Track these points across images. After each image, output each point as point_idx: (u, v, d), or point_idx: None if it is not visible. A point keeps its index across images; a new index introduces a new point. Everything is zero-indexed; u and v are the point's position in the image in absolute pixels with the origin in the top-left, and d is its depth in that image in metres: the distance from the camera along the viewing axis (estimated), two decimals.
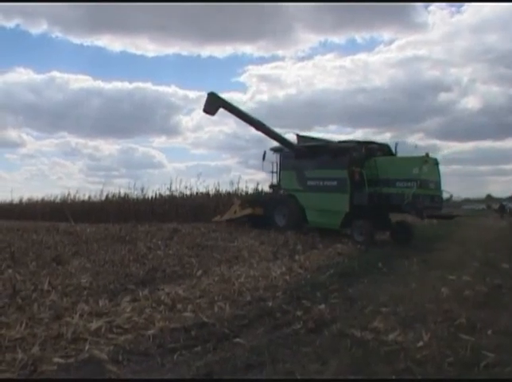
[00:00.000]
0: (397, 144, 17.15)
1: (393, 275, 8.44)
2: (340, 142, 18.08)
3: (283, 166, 18.52)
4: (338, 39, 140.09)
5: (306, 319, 5.45)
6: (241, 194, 25.61)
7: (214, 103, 17.62)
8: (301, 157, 17.71)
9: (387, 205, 15.53)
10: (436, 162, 16.21)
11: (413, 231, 16.82)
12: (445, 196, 16.59)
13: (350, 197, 15.84)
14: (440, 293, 6.75)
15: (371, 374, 3.81)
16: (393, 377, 3.75)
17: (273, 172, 18.90)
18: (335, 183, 16.36)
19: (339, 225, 16.36)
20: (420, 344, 4.48)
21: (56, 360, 4.12)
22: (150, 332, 4.96)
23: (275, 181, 19.00)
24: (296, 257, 10.70)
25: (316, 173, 17.10)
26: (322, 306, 6.03)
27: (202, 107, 17.89)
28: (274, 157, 18.82)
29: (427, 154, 15.60)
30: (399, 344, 4.51)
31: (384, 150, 17.15)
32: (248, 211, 19.02)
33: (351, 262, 9.82)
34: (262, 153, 18.57)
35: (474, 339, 4.60)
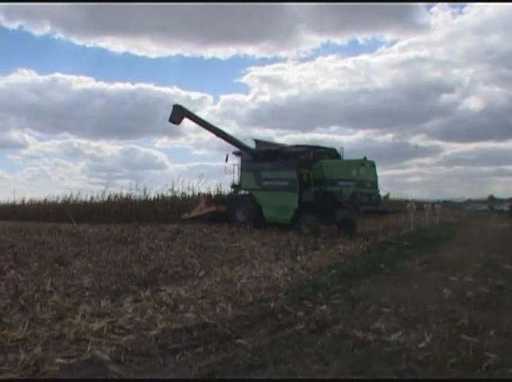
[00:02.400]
0: (342, 148, 20.01)
1: (395, 276, 8.43)
2: (292, 146, 20.76)
3: (243, 168, 20.84)
4: (340, 40, 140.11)
5: (308, 320, 5.46)
6: (205, 194, 27.57)
7: (179, 114, 19.99)
8: (258, 160, 20.14)
9: (331, 202, 17.61)
10: (373, 165, 18.34)
11: (356, 225, 19.36)
12: (383, 194, 19.70)
13: (298, 195, 18.13)
14: (442, 294, 6.75)
15: (373, 375, 3.80)
16: (395, 378, 3.75)
17: (234, 173, 21.34)
18: (286, 183, 18.70)
19: (289, 220, 18.41)
20: (422, 344, 4.48)
21: (59, 360, 4.12)
22: (152, 332, 4.96)
23: (236, 181, 21.40)
24: (298, 258, 10.69)
25: (270, 174, 19.41)
26: (324, 307, 6.03)
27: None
28: (236, 160, 21.29)
29: (364, 158, 17.85)
30: (401, 344, 4.51)
31: (331, 153, 19.81)
32: (212, 208, 21.40)
33: (352, 262, 9.80)
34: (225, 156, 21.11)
35: (476, 340, 4.60)
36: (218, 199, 23.36)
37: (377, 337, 4.73)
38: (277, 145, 21.35)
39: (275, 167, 19.35)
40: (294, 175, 18.35)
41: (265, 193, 19.52)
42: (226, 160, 21.14)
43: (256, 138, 21.59)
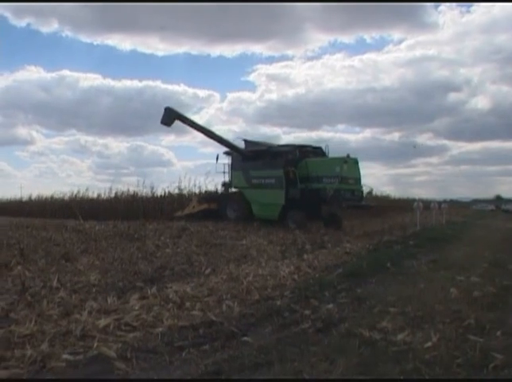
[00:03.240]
0: (327, 146, 20.87)
1: (401, 275, 8.40)
2: (279, 146, 21.90)
3: (233, 167, 21.76)
4: (347, 39, 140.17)
5: (314, 318, 5.45)
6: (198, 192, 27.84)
7: (170, 116, 20.73)
8: (247, 159, 21.05)
9: (316, 198, 18.65)
10: (355, 162, 19.34)
11: (341, 221, 20.51)
12: (366, 190, 20.52)
13: (285, 192, 19.06)
14: (449, 293, 6.72)
15: (379, 374, 3.79)
16: (402, 377, 3.73)
17: (224, 172, 22.28)
18: (273, 181, 19.64)
19: (277, 216, 19.44)
20: (429, 344, 4.45)
21: (65, 356, 4.13)
22: (158, 330, 4.96)
23: (227, 180, 22.33)
24: (305, 256, 10.70)
25: (258, 172, 20.30)
26: (330, 306, 6.03)
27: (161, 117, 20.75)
28: (226, 160, 22.20)
29: (348, 155, 18.99)
30: (407, 344, 4.49)
31: (317, 152, 20.76)
32: (204, 206, 22.27)
33: (359, 261, 9.78)
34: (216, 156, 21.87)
35: (483, 340, 4.58)
36: (209, 197, 23.89)
37: (383, 337, 4.72)
38: (264, 145, 22.13)
39: (263, 166, 20.23)
40: (281, 173, 19.25)
41: (253, 191, 20.46)
42: (217, 160, 21.94)
43: (245, 138, 22.56)
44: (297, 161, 19.75)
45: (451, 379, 3.77)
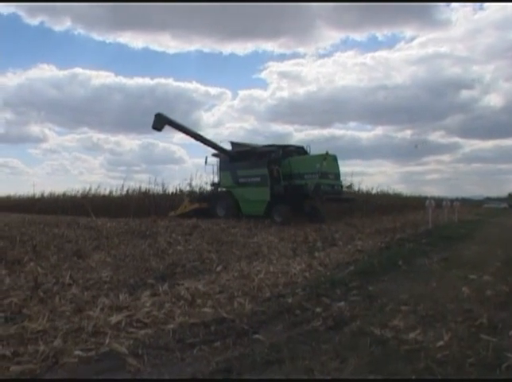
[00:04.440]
0: (309, 146, 22.23)
1: (413, 273, 8.37)
2: (263, 146, 22.84)
3: (221, 168, 23.13)
4: (359, 36, 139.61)
5: (325, 316, 5.44)
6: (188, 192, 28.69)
7: (161, 121, 22.12)
8: (234, 160, 22.41)
9: (298, 193, 20.08)
10: (334, 158, 21.01)
11: (324, 214, 22.15)
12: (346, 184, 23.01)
13: (270, 189, 20.41)
14: (461, 292, 6.67)
15: (391, 373, 3.78)
16: (413, 377, 3.72)
17: (213, 173, 23.67)
18: (258, 179, 21.01)
19: (263, 212, 20.71)
20: (441, 343, 4.43)
21: (77, 352, 4.15)
22: (170, 326, 4.98)
23: (216, 180, 23.70)
24: (316, 254, 10.68)
25: (245, 172, 21.70)
26: (341, 304, 6.01)
27: (152, 124, 22.15)
28: (215, 161, 23.50)
29: (327, 152, 20.48)
30: (419, 343, 4.47)
31: (300, 151, 22.19)
32: (196, 205, 23.46)
33: (370, 259, 9.74)
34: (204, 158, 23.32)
35: (495, 340, 4.55)
36: (200, 197, 25.16)
37: (395, 335, 4.70)
38: (250, 146, 23.54)
39: (249, 165, 21.62)
40: (265, 171, 20.67)
41: (241, 189, 21.90)
42: (206, 162, 23.40)
43: (232, 140, 24.04)
44: (281, 160, 21.13)
45: (463, 379, 3.74)
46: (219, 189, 23.80)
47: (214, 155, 23.44)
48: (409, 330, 4.85)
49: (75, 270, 8.05)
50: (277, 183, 20.41)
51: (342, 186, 22.10)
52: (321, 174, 19.71)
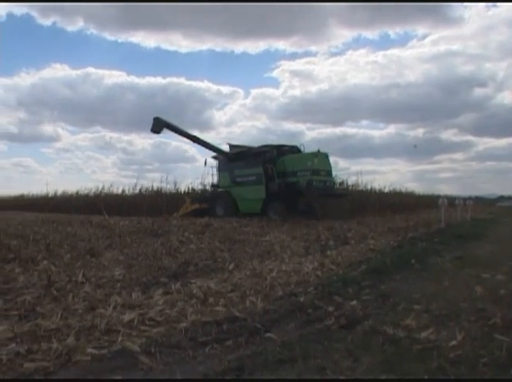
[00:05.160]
0: (302, 145, 23.57)
1: (425, 272, 8.32)
2: (259, 147, 23.81)
3: (220, 169, 24.41)
4: (371, 34, 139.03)
5: (338, 315, 5.42)
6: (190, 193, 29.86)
7: (159, 125, 23.61)
8: (232, 161, 23.60)
9: (292, 190, 20.91)
10: (326, 156, 22.18)
11: (317, 211, 22.96)
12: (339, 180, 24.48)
13: (265, 187, 21.52)
14: (474, 291, 6.62)
15: (403, 372, 3.76)
16: (426, 376, 3.69)
17: (213, 174, 24.98)
18: (254, 178, 22.12)
19: (259, 209, 21.72)
20: (454, 343, 4.39)
21: (90, 350, 4.18)
22: (182, 325, 4.98)
23: (215, 181, 24.94)
24: (328, 252, 10.65)
25: (241, 172, 22.83)
26: (354, 302, 5.98)
27: (151, 127, 23.69)
28: (214, 163, 24.85)
29: (318, 150, 21.64)
30: (432, 342, 4.43)
31: (293, 150, 23.31)
32: (196, 206, 24.55)
33: (383, 258, 9.69)
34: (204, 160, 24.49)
35: (509, 339, 4.50)
36: (200, 197, 26.38)
37: (407, 334, 4.67)
38: (246, 147, 24.74)
39: (245, 165, 22.78)
40: (260, 170, 21.82)
41: (238, 188, 22.98)
42: (205, 164, 24.60)
43: (230, 142, 25.43)
44: (275, 159, 22.25)
45: (476, 378, 3.71)
46: (219, 190, 24.79)
47: (213, 157, 24.67)
48: (422, 329, 4.82)
49: (88, 268, 8.09)
50: (271, 181, 21.49)
51: (334, 182, 23.54)
52: (313, 171, 20.84)
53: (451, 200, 28.88)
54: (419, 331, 4.77)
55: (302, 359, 4.02)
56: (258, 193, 21.81)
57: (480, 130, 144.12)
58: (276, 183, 21.29)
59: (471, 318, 5.27)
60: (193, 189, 29.60)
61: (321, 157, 21.66)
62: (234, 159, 23.61)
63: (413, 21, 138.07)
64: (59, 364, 3.92)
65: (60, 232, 13.06)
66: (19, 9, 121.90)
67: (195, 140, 24.41)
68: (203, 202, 24.78)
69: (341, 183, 25.80)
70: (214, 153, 24.76)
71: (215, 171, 24.83)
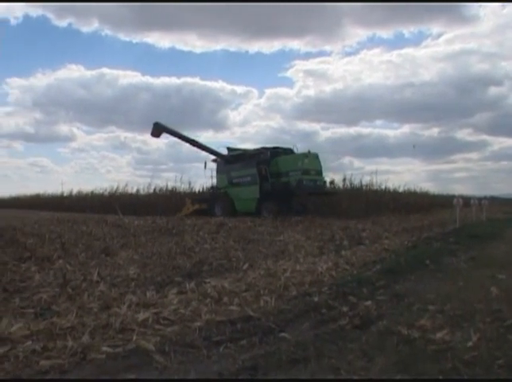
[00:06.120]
0: (295, 146, 24.77)
1: (440, 272, 8.27)
2: (254, 149, 25.57)
3: (218, 171, 25.62)
4: (385, 33, 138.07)
5: (352, 315, 5.40)
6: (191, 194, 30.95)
7: (158, 129, 25.16)
8: (229, 163, 24.92)
9: (284, 190, 22.18)
10: (316, 156, 23.29)
11: (308, 209, 23.77)
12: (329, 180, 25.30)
13: (259, 187, 22.79)
14: (489, 292, 6.55)
15: (418, 373, 3.73)
16: (441, 377, 3.67)
17: (212, 176, 26.19)
18: (249, 178, 23.39)
19: (254, 208, 22.83)
20: (469, 344, 4.34)
21: (105, 348, 4.20)
22: (196, 324, 4.99)
23: (214, 182, 26.11)
24: (343, 252, 10.63)
25: (237, 173, 24.12)
26: (368, 303, 5.96)
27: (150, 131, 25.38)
28: (213, 166, 26.01)
29: (308, 151, 23.05)
30: (447, 343, 4.40)
31: (287, 152, 24.38)
32: (197, 206, 25.52)
33: (397, 258, 9.65)
34: (204, 163, 25.75)
35: None
36: (200, 198, 27.47)
37: (422, 335, 4.64)
38: (242, 150, 26.17)
39: (241, 167, 24.06)
40: (255, 171, 23.10)
41: (235, 189, 24.19)
42: (205, 166, 25.76)
43: (228, 146, 26.60)
44: (269, 160, 23.51)
45: (491, 379, 3.68)
46: (217, 191, 25.73)
47: (213, 161, 25.90)
48: (437, 330, 4.79)
49: (103, 267, 8.14)
50: (265, 181, 22.82)
51: (324, 181, 24.42)
52: (303, 171, 22.14)
53: (466, 200, 28.64)
54: (434, 332, 4.74)
55: (316, 359, 4.01)
56: (253, 193, 23.02)
57: (495, 129, 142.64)
58: (269, 183, 22.67)
59: (486, 319, 5.22)
60: (207, 189, 29.71)
61: (311, 157, 22.98)
62: (230, 161, 24.92)
63: (428, 20, 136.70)
64: (74, 362, 3.95)
65: (75, 231, 13.16)
66: (35, 10, 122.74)
67: (194, 143, 25.86)
68: (202, 203, 25.88)
69: (331, 182, 26.95)
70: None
71: (214, 173, 26.05)
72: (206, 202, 25.71)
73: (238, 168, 24.16)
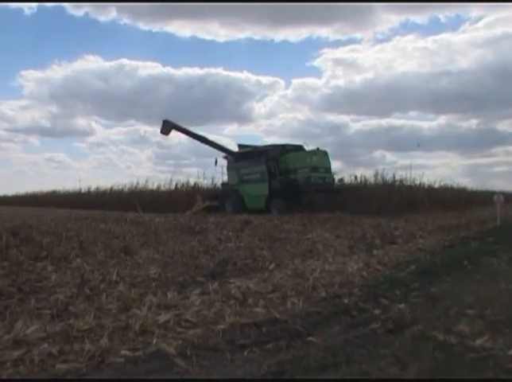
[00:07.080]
0: (305, 143, 25.93)
1: (479, 274, 8.16)
2: (263, 146, 26.56)
3: (228, 168, 26.53)
4: (420, 19, 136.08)
5: (384, 319, 5.36)
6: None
7: (168, 127, 25.80)
8: (239, 160, 25.78)
9: (292, 187, 22.96)
10: (325, 153, 24.47)
11: (316, 206, 23.34)
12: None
13: (268, 184, 23.59)
14: None
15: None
16: None
17: (223, 173, 27.24)
18: (258, 176, 24.21)
19: (264, 205, 23.50)
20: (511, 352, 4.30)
21: (124, 352, 4.22)
22: (220, 327, 4.99)
23: (225, 179, 27.13)
24: (374, 252, 10.55)
25: (247, 170, 24.94)
26: (402, 306, 5.91)
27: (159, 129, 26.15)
28: (224, 163, 26.88)
29: (317, 148, 24.25)
30: (487, 350, 4.32)
31: (297, 149, 25.37)
32: (208, 203, 26.08)
33: (433, 258, 9.55)
34: (214, 160, 26.82)
35: None
36: (211, 195, 27.68)
37: (460, 341, 4.58)
38: (253, 147, 27.07)
39: (250, 164, 24.88)
40: (264, 168, 23.91)
41: (245, 186, 24.94)
42: (216, 163, 26.90)
43: (240, 143, 27.85)
44: (278, 157, 24.34)
45: (501, 379, 3.62)
46: (228, 187, 26.61)
47: (224, 157, 26.70)
48: (476, 336, 4.72)
49: (123, 266, 8.19)
50: (274, 178, 23.68)
51: (333, 179, 25.29)
52: (312, 168, 23.14)
53: (508, 197, 28.28)
54: (473, 338, 4.67)
55: (346, 365, 3.99)
56: (262, 190, 23.83)
57: None
58: (278, 180, 23.56)
59: None
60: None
61: (320, 154, 24.03)
62: (240, 158, 25.80)
63: (466, 4, 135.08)
64: (91, 365, 3.98)
65: (93, 229, 13.23)
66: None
67: (204, 140, 26.63)
68: (213, 199, 26.37)
69: (340, 180, 27.05)
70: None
71: (225, 170, 26.93)
72: (216, 199, 26.36)
73: (248, 165, 25.03)
